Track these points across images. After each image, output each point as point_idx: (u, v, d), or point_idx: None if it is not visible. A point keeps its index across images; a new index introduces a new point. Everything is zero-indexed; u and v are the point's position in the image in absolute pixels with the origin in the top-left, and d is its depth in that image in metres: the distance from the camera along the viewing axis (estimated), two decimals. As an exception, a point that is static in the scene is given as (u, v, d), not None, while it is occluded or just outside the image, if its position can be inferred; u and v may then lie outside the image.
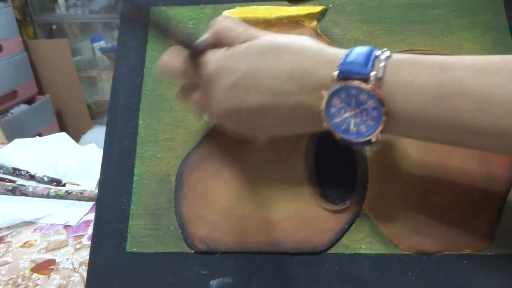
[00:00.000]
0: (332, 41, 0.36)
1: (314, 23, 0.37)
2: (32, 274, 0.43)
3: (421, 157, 0.33)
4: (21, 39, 1.97)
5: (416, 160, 0.33)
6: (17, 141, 0.70)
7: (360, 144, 0.26)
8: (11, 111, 1.89)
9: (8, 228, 0.51)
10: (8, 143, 0.71)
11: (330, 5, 0.37)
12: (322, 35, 0.36)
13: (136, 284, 0.33)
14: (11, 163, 0.63)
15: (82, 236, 0.49)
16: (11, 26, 1.90)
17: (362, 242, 0.32)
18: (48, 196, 0.56)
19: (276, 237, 0.33)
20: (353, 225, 0.33)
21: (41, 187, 0.57)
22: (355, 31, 0.36)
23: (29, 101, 2.01)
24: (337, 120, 0.26)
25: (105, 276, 0.34)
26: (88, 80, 2.38)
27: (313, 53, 0.27)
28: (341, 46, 0.36)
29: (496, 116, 0.22)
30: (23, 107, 1.95)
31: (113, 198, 0.36)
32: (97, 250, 0.35)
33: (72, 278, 0.41)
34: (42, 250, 0.46)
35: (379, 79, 0.24)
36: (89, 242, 0.37)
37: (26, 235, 0.50)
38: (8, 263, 0.44)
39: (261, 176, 0.34)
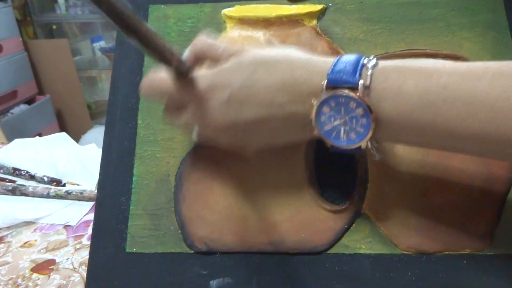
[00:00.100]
0: (332, 40, 0.36)
1: (314, 22, 0.37)
2: (32, 274, 0.43)
3: (421, 157, 0.33)
4: (21, 39, 1.97)
5: (416, 160, 0.33)
6: (17, 141, 0.70)
7: (351, 151, 0.27)
8: (11, 111, 1.89)
9: (8, 228, 0.51)
10: (8, 143, 0.71)
11: (330, 4, 0.37)
12: (322, 34, 0.36)
13: (136, 284, 0.33)
14: (11, 163, 0.63)
15: (82, 236, 0.49)
16: (11, 26, 1.90)
17: (362, 242, 0.32)
18: (48, 196, 0.56)
19: (276, 237, 0.33)
20: (353, 225, 0.33)
21: (41, 187, 0.57)
22: (355, 30, 0.36)
23: (29, 101, 2.01)
24: (327, 128, 0.27)
25: (104, 276, 0.34)
26: (88, 80, 2.38)
27: (303, 63, 0.27)
28: (341, 45, 0.36)
29: (481, 121, 0.22)
30: (23, 107, 1.95)
31: (112, 198, 0.36)
32: (96, 250, 0.35)
33: (72, 278, 0.41)
34: (42, 250, 0.46)
35: (366, 87, 0.25)
36: (89, 242, 0.37)
37: (26, 235, 0.50)
38: (8, 263, 0.44)
39: (261, 176, 0.34)
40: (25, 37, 2.10)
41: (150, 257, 0.34)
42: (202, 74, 0.29)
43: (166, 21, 0.39)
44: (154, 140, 0.36)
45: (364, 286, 0.31)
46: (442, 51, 0.34)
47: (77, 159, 0.63)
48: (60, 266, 0.43)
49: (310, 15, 0.37)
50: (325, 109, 0.26)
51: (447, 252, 0.31)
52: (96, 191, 0.51)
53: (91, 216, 0.52)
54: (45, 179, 0.60)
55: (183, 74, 0.28)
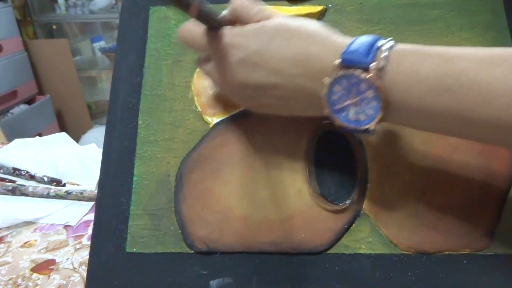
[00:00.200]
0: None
1: (314, 23, 0.37)
2: (32, 274, 0.43)
3: (421, 157, 0.33)
4: (21, 39, 1.97)
5: (416, 160, 0.33)
6: (17, 141, 0.70)
7: (358, 132, 0.27)
8: (11, 111, 1.89)
9: (8, 228, 0.51)
10: (8, 143, 0.71)
11: (330, 5, 0.37)
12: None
13: (136, 284, 0.33)
14: (11, 163, 0.63)
15: (82, 236, 0.49)
16: (11, 26, 1.90)
17: (362, 242, 0.32)
18: (48, 196, 0.56)
19: (276, 237, 0.33)
20: (353, 225, 0.33)
21: (41, 187, 0.57)
22: (355, 31, 0.36)
23: (29, 101, 2.01)
24: (337, 107, 0.27)
25: (105, 276, 0.34)
26: (88, 80, 2.38)
27: (320, 40, 0.27)
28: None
29: (497, 108, 0.22)
30: (23, 107, 1.95)
31: (112, 198, 0.36)
32: (97, 250, 0.35)
33: (72, 278, 0.41)
34: (42, 250, 0.46)
35: (380, 69, 0.24)
36: (89, 242, 0.37)
37: (26, 235, 0.50)
38: (8, 263, 0.44)
39: (261, 176, 0.34)
40: (25, 37, 2.10)
41: (150, 257, 0.34)
42: (228, 32, 0.30)
43: (167, 22, 0.39)
44: (154, 141, 0.37)
45: (364, 286, 0.31)
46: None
47: (77, 159, 0.63)
48: (60, 266, 0.44)
49: (310, 16, 0.37)
50: (337, 88, 0.26)
51: (447, 252, 0.31)
52: (96, 191, 0.51)
53: (91, 216, 0.52)
54: (45, 179, 0.60)
55: (212, 28, 0.30)
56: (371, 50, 0.25)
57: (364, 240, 0.32)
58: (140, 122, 0.37)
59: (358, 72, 0.25)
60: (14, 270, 0.43)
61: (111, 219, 0.35)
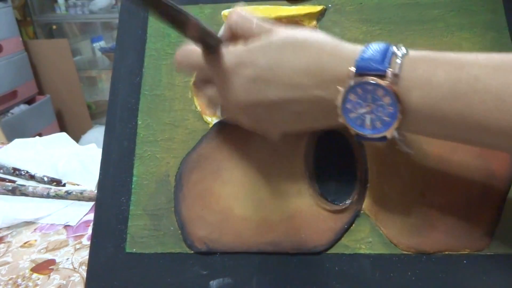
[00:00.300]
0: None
1: (314, 23, 0.37)
2: (32, 274, 0.43)
3: (421, 157, 0.33)
4: (21, 39, 1.97)
5: (416, 160, 0.33)
6: (17, 141, 0.70)
7: (375, 140, 0.27)
8: (11, 111, 1.89)
9: (8, 228, 0.51)
10: (8, 143, 0.71)
11: (330, 5, 0.37)
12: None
13: (136, 284, 0.33)
14: (11, 163, 0.63)
15: (82, 236, 0.49)
16: (11, 26, 1.90)
17: (362, 242, 0.32)
18: (48, 196, 0.56)
19: (276, 237, 0.33)
20: (353, 225, 0.33)
21: (41, 187, 0.57)
22: (355, 31, 0.36)
23: (29, 101, 2.01)
24: (352, 115, 0.26)
25: (104, 276, 0.34)
26: (88, 80, 2.38)
27: (331, 49, 0.27)
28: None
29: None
30: (23, 107, 1.95)
31: (112, 198, 0.36)
32: (96, 250, 0.35)
33: (72, 278, 0.42)
34: (42, 250, 0.46)
35: (395, 76, 0.24)
36: (89, 242, 0.37)
37: (26, 235, 0.50)
38: (8, 263, 0.44)
39: (261, 176, 0.34)
40: (25, 37, 2.10)
41: (150, 257, 0.34)
42: (230, 50, 0.29)
43: (166, 22, 0.39)
44: (154, 141, 0.37)
45: (364, 286, 0.31)
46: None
47: (77, 159, 0.63)
48: (60, 266, 0.44)
49: (309, 16, 0.37)
50: (352, 96, 0.26)
51: (447, 252, 0.31)
52: (96, 191, 0.51)
53: (91, 216, 0.52)
54: (45, 179, 0.60)
55: (211, 48, 0.29)
56: (386, 56, 0.25)
57: (364, 240, 0.32)
58: (139, 122, 0.37)
59: (374, 79, 0.25)
60: (14, 270, 0.43)
61: (111, 219, 0.35)
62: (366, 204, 0.33)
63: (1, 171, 0.61)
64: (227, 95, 0.30)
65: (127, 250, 0.34)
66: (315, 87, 0.27)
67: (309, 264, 0.32)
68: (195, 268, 0.33)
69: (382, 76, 0.25)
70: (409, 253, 0.32)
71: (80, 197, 0.56)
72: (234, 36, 0.30)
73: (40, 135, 1.51)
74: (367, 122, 0.26)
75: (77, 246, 0.47)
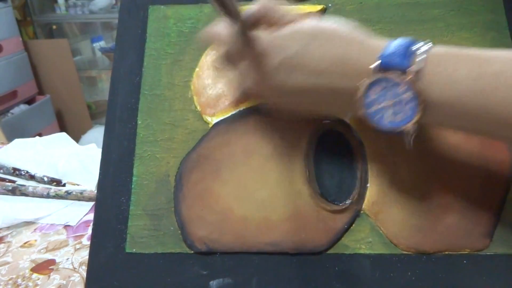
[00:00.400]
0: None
1: (314, 22, 0.37)
2: (32, 274, 0.43)
3: (421, 158, 0.33)
4: (21, 39, 1.96)
5: (416, 160, 0.33)
6: (17, 141, 0.70)
7: (394, 133, 0.27)
8: (11, 111, 1.89)
9: (8, 228, 0.51)
10: (8, 143, 0.71)
11: (330, 5, 0.37)
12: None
13: (136, 284, 0.33)
14: (11, 163, 0.63)
15: (82, 236, 0.49)
16: (11, 26, 1.90)
17: (362, 242, 0.32)
18: (48, 196, 0.56)
19: (276, 237, 0.33)
20: (353, 225, 0.33)
21: (41, 187, 0.57)
22: (355, 30, 0.36)
23: (29, 101, 2.01)
24: (373, 109, 0.27)
25: (104, 276, 0.34)
26: (88, 80, 2.38)
27: (358, 42, 0.28)
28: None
29: None
30: (23, 107, 1.95)
31: (112, 198, 0.36)
32: (96, 250, 0.35)
33: (72, 278, 0.41)
34: (42, 250, 0.46)
35: (417, 72, 0.25)
36: (89, 242, 0.37)
37: (26, 235, 0.50)
38: (8, 263, 0.44)
39: (261, 176, 0.34)
40: (25, 37, 2.10)
41: (150, 257, 0.34)
42: (263, 35, 0.30)
43: (166, 22, 0.39)
44: (154, 141, 0.36)
45: (364, 286, 0.31)
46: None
47: (77, 159, 0.63)
48: (60, 266, 0.44)
49: (309, 15, 0.37)
50: (373, 90, 0.26)
51: (447, 252, 0.31)
52: (96, 191, 0.51)
53: (91, 216, 0.52)
54: (45, 179, 0.60)
55: (245, 31, 0.30)
56: (409, 52, 0.25)
57: (364, 240, 0.32)
58: (139, 122, 0.37)
59: (396, 74, 0.25)
60: (14, 270, 0.43)
61: (111, 219, 0.35)
62: (366, 204, 0.33)
63: (1, 171, 0.61)
64: (254, 76, 0.31)
65: (127, 250, 0.34)
66: (339, 78, 0.27)
67: (309, 264, 0.32)
68: (195, 268, 0.33)
69: (404, 72, 0.25)
70: (409, 253, 0.32)
71: (80, 197, 0.56)
72: (263, 21, 0.31)
73: (40, 135, 1.51)
74: (387, 116, 0.27)
75: (77, 246, 0.47)
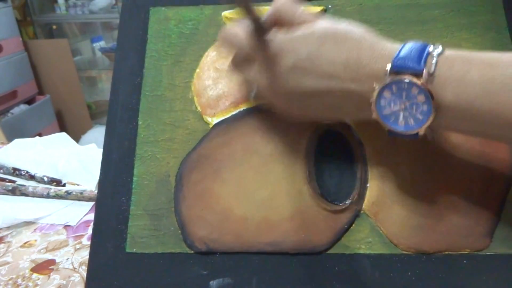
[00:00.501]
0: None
1: (314, 23, 0.37)
2: (32, 274, 0.43)
3: (421, 158, 0.33)
4: (21, 39, 1.97)
5: (416, 160, 0.33)
6: (17, 141, 0.70)
7: (407, 136, 0.27)
8: (11, 111, 1.89)
9: (8, 228, 0.51)
10: (8, 143, 0.71)
11: (330, 6, 0.37)
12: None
13: (136, 284, 0.33)
14: (11, 163, 0.63)
15: (82, 236, 0.49)
16: (11, 26, 1.90)
17: (362, 242, 0.32)
18: (48, 196, 0.56)
19: (276, 237, 0.33)
20: (353, 225, 0.33)
21: (41, 187, 0.57)
22: (355, 31, 0.36)
23: (29, 101, 2.01)
24: (386, 112, 0.27)
25: (104, 276, 0.34)
26: (88, 80, 2.38)
27: (370, 45, 0.27)
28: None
29: None
30: (23, 107, 1.95)
31: (112, 198, 0.36)
32: (96, 250, 0.35)
33: (72, 278, 0.42)
34: (42, 250, 0.46)
35: (430, 75, 0.25)
36: (89, 242, 0.37)
37: (26, 235, 0.50)
38: (8, 263, 0.45)
39: (261, 176, 0.34)
40: (25, 37, 2.10)
41: (150, 257, 0.34)
42: (275, 38, 0.30)
43: (167, 23, 0.39)
44: (154, 141, 0.37)
45: (364, 286, 0.31)
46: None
47: (77, 159, 0.63)
48: (60, 266, 0.44)
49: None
50: (386, 93, 0.26)
51: (447, 252, 0.31)
52: (96, 191, 0.51)
53: (91, 216, 0.52)
54: (45, 179, 0.60)
55: (260, 33, 0.30)
56: (422, 55, 0.25)
57: (364, 240, 0.32)
58: (140, 123, 0.37)
59: (409, 77, 0.25)
60: (14, 270, 0.43)
61: (111, 219, 0.35)
62: (366, 204, 0.33)
63: (1, 171, 0.61)
64: (265, 80, 0.31)
65: (127, 250, 0.34)
66: (351, 81, 0.27)
67: (309, 264, 0.32)
68: (195, 268, 0.33)
69: (417, 75, 0.25)
70: (409, 253, 0.32)
71: (80, 197, 0.56)
72: (279, 22, 0.30)
73: (40, 135, 1.51)
74: (401, 119, 0.27)
75: (77, 246, 0.47)
